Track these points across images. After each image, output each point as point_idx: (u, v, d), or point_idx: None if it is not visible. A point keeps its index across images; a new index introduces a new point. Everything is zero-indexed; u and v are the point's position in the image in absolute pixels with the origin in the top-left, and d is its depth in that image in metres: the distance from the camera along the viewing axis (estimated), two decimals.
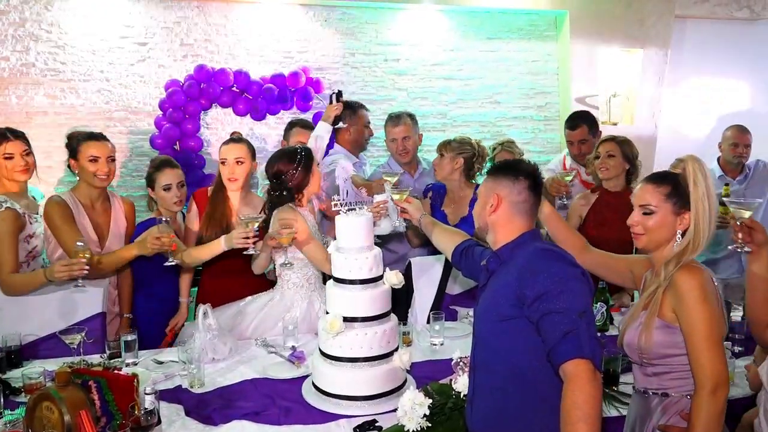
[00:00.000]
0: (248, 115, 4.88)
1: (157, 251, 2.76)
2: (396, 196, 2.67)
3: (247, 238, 2.70)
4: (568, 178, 3.53)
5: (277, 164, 2.89)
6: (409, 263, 3.26)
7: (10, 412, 2.22)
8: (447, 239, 2.47)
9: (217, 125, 4.95)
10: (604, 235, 3.30)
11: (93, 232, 2.99)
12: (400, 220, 2.76)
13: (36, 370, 2.40)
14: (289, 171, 2.86)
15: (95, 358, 2.68)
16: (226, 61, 4.90)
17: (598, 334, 2.76)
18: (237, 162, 3.06)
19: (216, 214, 3.08)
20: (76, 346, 2.57)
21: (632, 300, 3.42)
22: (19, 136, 2.97)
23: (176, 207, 3.17)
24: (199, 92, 4.61)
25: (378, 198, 2.67)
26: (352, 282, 2.32)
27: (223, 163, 3.08)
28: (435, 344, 2.81)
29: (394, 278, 2.38)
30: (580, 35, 5.49)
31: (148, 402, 2.06)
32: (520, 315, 1.74)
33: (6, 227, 2.80)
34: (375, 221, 2.62)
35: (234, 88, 4.76)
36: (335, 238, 2.43)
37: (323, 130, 3.43)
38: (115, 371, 2.26)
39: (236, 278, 3.12)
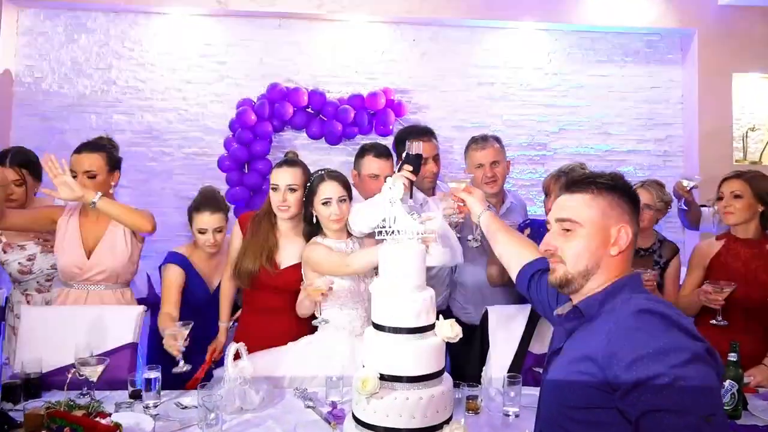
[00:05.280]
0: (323, 138, 4.68)
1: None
2: (453, 185, 2.28)
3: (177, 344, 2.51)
4: None
5: None
6: (486, 312, 2.84)
7: None
8: (514, 251, 2.03)
9: (290, 148, 4.65)
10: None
11: (79, 241, 2.87)
12: (459, 252, 2.40)
13: (38, 404, 2.14)
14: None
15: (117, 395, 2.45)
16: (305, 82, 4.76)
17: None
18: (289, 189, 2.74)
19: (258, 242, 2.80)
20: (95, 380, 2.35)
21: None
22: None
23: (210, 249, 2.96)
24: (270, 112, 4.45)
25: (430, 225, 2.15)
26: (394, 330, 1.89)
27: (274, 189, 2.79)
28: (508, 414, 2.37)
29: (448, 329, 1.90)
30: (711, 58, 4.93)
31: None
32: (608, 405, 1.29)
33: None
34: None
35: (309, 109, 4.59)
36: None
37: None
38: (98, 418, 1.92)
39: (278, 317, 2.80)
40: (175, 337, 2.46)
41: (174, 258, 2.88)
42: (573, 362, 1.39)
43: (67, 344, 2.56)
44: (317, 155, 4.72)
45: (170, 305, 2.76)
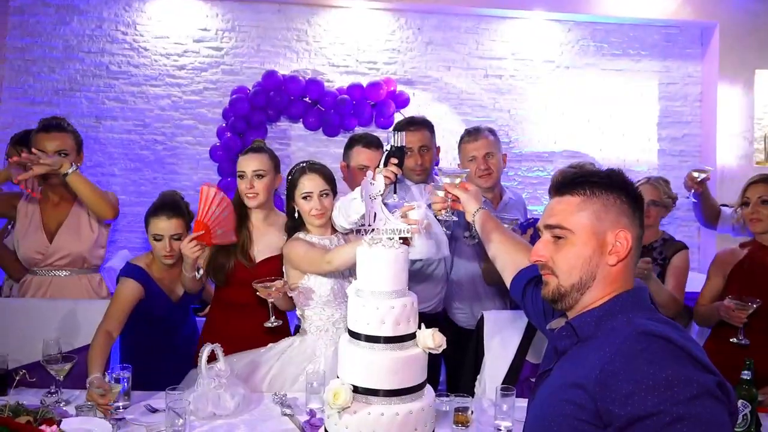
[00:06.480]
0: (320, 129, 4.56)
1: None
2: (446, 180, 2.13)
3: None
4: None
5: None
6: (482, 317, 2.72)
7: None
8: (509, 254, 1.86)
9: (286, 139, 4.67)
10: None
11: (40, 225, 2.81)
12: (445, 245, 2.27)
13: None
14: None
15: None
16: (305, 71, 4.64)
17: None
18: (256, 175, 2.65)
19: None
20: (62, 379, 2.30)
21: None
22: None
23: (167, 261, 2.70)
24: (266, 101, 4.33)
25: (413, 215, 2.06)
26: (371, 339, 1.75)
27: (240, 176, 2.69)
28: (500, 429, 2.26)
29: (430, 340, 1.76)
30: (733, 53, 4.76)
31: None
32: None
33: None
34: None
35: (306, 99, 4.46)
36: None
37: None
38: (44, 425, 1.79)
39: (251, 314, 2.66)
40: (104, 394, 2.17)
41: (131, 272, 2.62)
42: (561, 389, 1.21)
43: (37, 339, 2.49)
44: (314, 147, 4.62)
45: (113, 322, 2.51)
